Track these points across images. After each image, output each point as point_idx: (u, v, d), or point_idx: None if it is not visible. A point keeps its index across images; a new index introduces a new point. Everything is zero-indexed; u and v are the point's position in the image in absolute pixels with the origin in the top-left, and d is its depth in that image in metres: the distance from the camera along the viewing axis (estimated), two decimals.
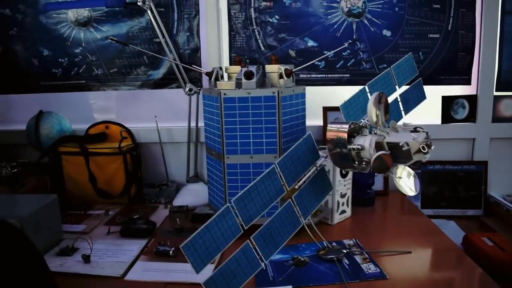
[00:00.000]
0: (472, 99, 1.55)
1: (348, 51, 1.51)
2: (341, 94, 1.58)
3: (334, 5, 1.49)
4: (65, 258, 1.08)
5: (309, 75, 1.55)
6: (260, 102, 1.11)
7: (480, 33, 1.50)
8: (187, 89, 1.51)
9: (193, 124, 1.58)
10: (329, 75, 1.55)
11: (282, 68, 1.14)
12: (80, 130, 1.61)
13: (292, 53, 1.53)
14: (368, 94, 1.08)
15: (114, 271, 1.02)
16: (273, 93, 1.10)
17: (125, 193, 1.48)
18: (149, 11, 1.45)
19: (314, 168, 0.95)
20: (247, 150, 1.14)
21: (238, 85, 1.13)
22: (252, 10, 1.51)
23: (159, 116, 1.56)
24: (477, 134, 1.56)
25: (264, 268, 0.83)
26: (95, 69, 1.60)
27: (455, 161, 1.57)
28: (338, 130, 0.91)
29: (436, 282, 0.97)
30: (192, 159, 1.61)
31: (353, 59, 1.53)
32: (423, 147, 0.82)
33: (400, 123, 0.95)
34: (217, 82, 1.16)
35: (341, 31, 1.50)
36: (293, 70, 1.16)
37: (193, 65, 1.34)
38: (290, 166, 0.91)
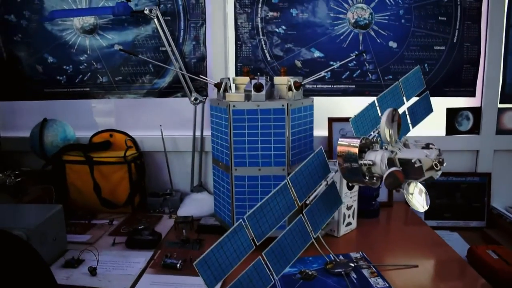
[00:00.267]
0: (476, 111, 1.56)
1: (354, 62, 1.52)
2: (346, 105, 1.59)
3: (341, 16, 1.49)
4: (71, 270, 1.07)
5: (314, 86, 1.55)
6: (269, 114, 1.11)
7: (485, 46, 1.50)
8: (192, 98, 1.51)
9: (197, 133, 1.57)
10: (335, 86, 1.55)
11: (291, 80, 1.14)
12: (84, 138, 1.60)
13: (298, 63, 1.54)
14: (377, 108, 1.08)
15: (121, 284, 1.01)
16: (283, 105, 1.10)
17: (129, 203, 1.47)
18: (155, 20, 1.45)
19: (325, 182, 0.95)
20: (255, 162, 1.13)
21: (247, 97, 1.12)
22: (258, 20, 1.51)
23: (163, 124, 1.56)
24: (481, 146, 1.57)
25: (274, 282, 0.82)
26: (100, 77, 1.59)
27: (459, 173, 1.58)
28: (349, 145, 0.91)
29: None
30: (196, 169, 1.60)
31: (359, 70, 1.53)
32: (435, 164, 0.82)
33: (409, 135, 0.96)
34: (226, 93, 1.15)
35: (347, 42, 1.51)
36: (302, 82, 1.16)
37: (200, 75, 1.33)
38: (302, 181, 0.90)
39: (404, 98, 1.15)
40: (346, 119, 1.54)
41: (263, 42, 1.53)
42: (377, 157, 0.88)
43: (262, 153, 1.13)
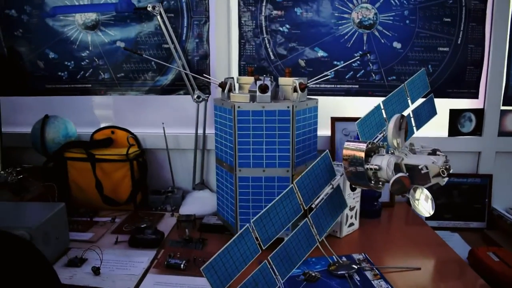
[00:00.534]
0: (479, 113, 1.56)
1: (358, 62, 1.51)
2: (349, 104, 1.58)
3: (346, 16, 1.48)
4: (74, 269, 1.07)
5: (318, 85, 1.54)
6: (274, 116, 1.11)
7: (489, 48, 1.50)
8: (195, 96, 1.50)
9: (200, 131, 1.57)
10: (338, 86, 1.55)
11: (296, 82, 1.13)
12: (85, 134, 1.60)
13: (302, 62, 1.53)
14: (383, 110, 1.08)
15: (125, 284, 1.01)
16: (288, 107, 1.10)
17: (131, 200, 1.47)
18: (158, 17, 1.44)
19: (330, 186, 0.95)
20: (260, 163, 1.13)
21: (252, 98, 1.12)
22: (262, 18, 1.50)
23: (166, 122, 1.55)
24: (483, 147, 1.57)
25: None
26: (102, 73, 1.58)
27: (460, 174, 1.58)
28: (355, 149, 0.91)
29: None
30: (198, 166, 1.60)
31: (363, 70, 1.53)
32: (442, 171, 0.82)
33: (414, 139, 0.96)
34: (231, 94, 1.15)
35: (351, 42, 1.50)
36: (307, 84, 1.15)
37: (203, 74, 1.33)
38: (308, 185, 0.91)
39: (409, 101, 1.15)
40: (349, 119, 1.56)
41: (266, 41, 1.52)
42: (383, 162, 0.88)
43: (267, 154, 1.13)
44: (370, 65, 1.52)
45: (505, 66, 1.51)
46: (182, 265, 1.07)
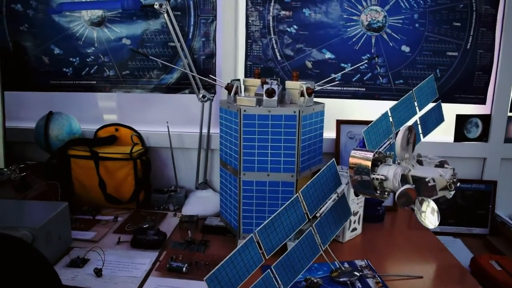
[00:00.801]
0: (486, 119, 1.55)
1: (366, 65, 1.50)
2: (355, 107, 1.57)
3: (354, 18, 1.47)
4: (76, 270, 1.07)
5: (324, 87, 1.52)
6: (281, 120, 1.10)
7: (499, 53, 1.48)
8: (200, 96, 1.49)
9: (204, 130, 1.56)
10: (344, 88, 1.54)
11: (304, 86, 1.12)
12: (89, 131, 1.59)
13: (309, 64, 1.52)
14: (390, 118, 1.06)
15: (127, 287, 1.01)
16: (294, 112, 1.09)
17: (134, 199, 1.47)
18: (165, 15, 1.42)
19: (336, 195, 0.94)
20: (264, 168, 1.13)
21: (259, 102, 1.11)
22: (270, 18, 1.49)
23: (170, 120, 1.54)
24: (488, 153, 1.56)
25: None
26: (107, 70, 1.57)
27: (465, 179, 1.57)
28: (362, 157, 0.90)
29: None
30: (202, 166, 1.59)
31: (370, 73, 1.51)
32: (450, 185, 0.81)
33: (420, 145, 0.94)
34: (237, 97, 1.14)
35: (359, 44, 1.48)
36: (315, 88, 1.14)
37: (210, 75, 1.32)
38: (313, 194, 0.90)
39: (417, 108, 1.14)
40: (354, 122, 1.55)
41: (274, 41, 1.51)
42: (389, 172, 0.87)
43: (272, 158, 1.12)
44: (378, 68, 1.51)
45: None
46: (184, 269, 1.07)
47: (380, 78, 1.52)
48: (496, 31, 1.47)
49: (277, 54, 1.52)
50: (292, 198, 0.85)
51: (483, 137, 1.56)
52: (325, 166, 0.92)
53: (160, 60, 1.31)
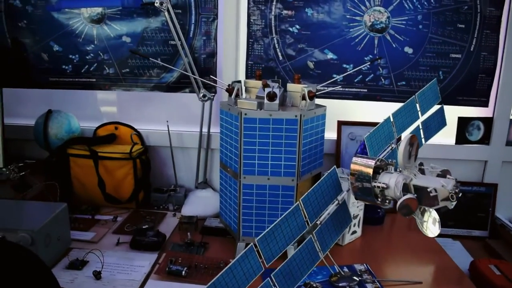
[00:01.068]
0: (488, 122, 1.54)
1: (368, 66, 1.48)
2: (357, 108, 1.56)
3: (357, 18, 1.45)
4: (75, 272, 1.07)
5: (325, 88, 1.51)
6: (282, 124, 1.09)
7: (502, 56, 1.47)
8: (201, 95, 1.48)
9: (204, 129, 1.55)
10: (346, 89, 1.52)
11: (305, 90, 1.11)
12: (89, 129, 1.58)
13: (310, 64, 1.50)
14: (392, 123, 1.06)
15: None
16: (296, 116, 1.08)
17: (133, 198, 1.46)
18: (166, 13, 1.40)
19: (336, 202, 0.94)
20: (265, 171, 1.12)
21: (260, 105, 1.10)
22: (272, 17, 1.47)
23: (170, 119, 1.53)
24: (489, 156, 1.55)
25: None
26: (106, 68, 1.56)
27: (466, 182, 1.57)
28: (363, 165, 0.89)
29: None
30: (201, 165, 1.59)
31: (372, 74, 1.50)
32: (451, 196, 0.81)
33: (422, 151, 0.94)
34: (238, 100, 1.12)
35: (362, 45, 1.47)
36: (316, 93, 1.13)
37: (210, 76, 1.30)
38: (314, 201, 0.89)
39: (419, 113, 1.13)
40: (356, 123, 1.54)
41: (275, 41, 1.49)
42: (391, 181, 0.87)
43: (272, 162, 1.12)
44: (380, 69, 1.49)
45: None
46: (183, 272, 1.07)
47: (383, 80, 1.50)
48: (500, 33, 1.45)
49: (279, 54, 1.50)
50: (293, 207, 0.85)
51: (485, 139, 1.55)
52: (326, 174, 0.92)
53: (160, 61, 1.31)
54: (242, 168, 1.12)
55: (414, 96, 1.11)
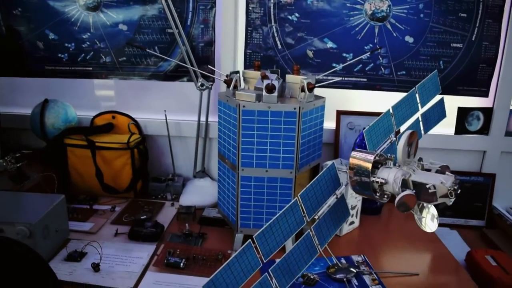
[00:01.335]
0: (487, 112, 1.53)
1: (368, 55, 1.46)
2: (356, 98, 1.55)
3: (358, 7, 1.42)
4: (74, 264, 1.07)
5: (325, 77, 1.50)
6: (280, 117, 1.08)
7: (504, 46, 1.45)
8: (198, 84, 1.46)
9: (202, 118, 1.54)
10: (346, 78, 1.51)
11: (304, 81, 1.10)
12: (86, 118, 1.57)
13: (310, 53, 1.48)
14: (392, 117, 1.05)
15: (125, 283, 1.01)
16: (294, 109, 1.07)
17: (131, 188, 1.46)
18: (163, 0, 1.38)
19: (334, 196, 0.94)
20: (263, 164, 1.11)
21: (258, 97, 1.09)
22: (271, 5, 1.44)
23: (168, 108, 1.52)
24: (488, 146, 1.55)
25: None
26: (103, 57, 1.53)
27: (464, 172, 1.57)
28: (362, 159, 0.88)
29: None
30: (199, 154, 1.58)
31: (372, 64, 1.48)
32: (450, 193, 0.80)
33: (421, 141, 0.93)
34: (236, 91, 1.11)
35: (362, 34, 1.45)
36: (315, 85, 1.12)
37: (208, 65, 1.29)
38: (312, 196, 0.89)
39: (419, 105, 1.12)
40: (355, 113, 1.53)
41: (274, 29, 1.47)
42: (390, 176, 0.86)
43: (270, 155, 1.11)
44: (380, 58, 1.47)
45: None
46: (181, 264, 1.07)
47: (382, 69, 1.49)
48: (502, 23, 1.43)
49: (278, 42, 1.48)
50: (291, 203, 0.84)
51: (484, 130, 1.54)
52: (325, 169, 0.91)
53: (157, 49, 1.28)
54: (240, 160, 1.11)
55: (414, 88, 1.09)
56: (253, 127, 1.09)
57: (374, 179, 0.87)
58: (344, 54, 1.47)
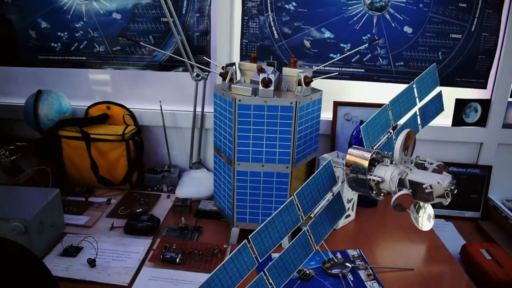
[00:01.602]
0: (485, 104, 1.52)
1: (366, 46, 1.44)
2: (353, 88, 1.53)
3: None
4: (69, 260, 1.07)
5: (322, 68, 1.48)
6: (277, 111, 1.06)
7: (503, 37, 1.43)
8: (194, 75, 1.44)
9: (198, 109, 1.52)
10: (343, 69, 1.49)
11: (301, 75, 1.08)
12: (80, 109, 1.55)
13: (307, 43, 1.46)
14: (390, 112, 1.04)
15: (121, 278, 1.01)
16: (291, 103, 1.05)
17: (127, 180, 1.45)
18: None
19: (331, 194, 0.93)
20: (259, 158, 1.10)
21: (254, 91, 1.07)
22: None
23: (163, 99, 1.50)
24: (485, 138, 1.54)
25: None
26: (97, 46, 1.51)
27: (460, 164, 1.57)
28: (359, 156, 0.88)
29: None
30: (195, 145, 1.57)
31: (370, 54, 1.46)
32: (447, 194, 0.80)
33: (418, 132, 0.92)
34: (232, 86, 1.09)
35: (360, 24, 1.42)
36: (312, 78, 1.10)
37: (204, 57, 1.26)
38: (308, 195, 0.88)
39: (417, 99, 1.11)
40: (352, 104, 1.52)
41: (271, 19, 1.44)
42: (386, 174, 0.86)
43: (267, 149, 1.10)
44: (378, 49, 1.45)
45: None
46: (177, 259, 1.07)
47: (380, 60, 1.47)
48: (502, 13, 1.41)
49: (274, 32, 1.45)
50: (287, 202, 0.84)
51: (481, 121, 1.54)
52: (321, 167, 0.90)
53: (152, 39, 1.25)
54: (236, 154, 1.10)
55: (412, 82, 1.08)
56: (249, 122, 1.07)
57: (370, 177, 0.87)
58: (342, 44, 1.45)
